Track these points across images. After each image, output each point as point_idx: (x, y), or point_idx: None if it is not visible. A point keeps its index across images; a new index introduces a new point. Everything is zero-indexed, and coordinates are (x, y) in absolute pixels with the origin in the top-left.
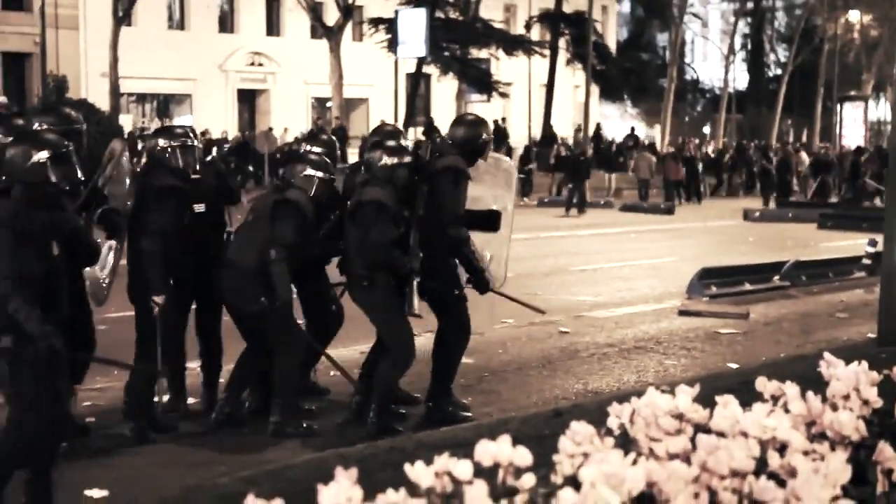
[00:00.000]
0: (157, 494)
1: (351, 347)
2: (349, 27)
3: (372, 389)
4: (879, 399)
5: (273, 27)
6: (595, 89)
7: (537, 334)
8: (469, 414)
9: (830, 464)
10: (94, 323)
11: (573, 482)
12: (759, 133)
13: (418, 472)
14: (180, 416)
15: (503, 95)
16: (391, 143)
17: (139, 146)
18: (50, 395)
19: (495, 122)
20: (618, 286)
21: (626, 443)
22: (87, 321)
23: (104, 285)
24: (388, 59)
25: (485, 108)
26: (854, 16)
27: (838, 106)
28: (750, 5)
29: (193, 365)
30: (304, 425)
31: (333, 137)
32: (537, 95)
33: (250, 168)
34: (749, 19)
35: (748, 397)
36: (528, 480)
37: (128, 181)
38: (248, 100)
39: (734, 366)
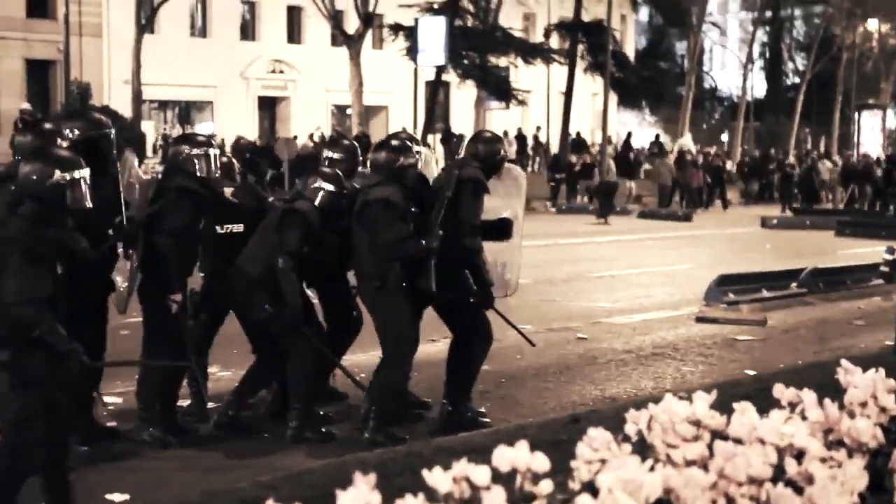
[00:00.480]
0: (178, 499)
1: (370, 353)
2: (369, 35)
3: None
4: None
5: (294, 35)
6: (613, 97)
7: (555, 340)
8: (487, 420)
9: (848, 471)
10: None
11: (590, 488)
12: (776, 141)
13: (436, 477)
14: (199, 419)
15: (522, 103)
16: (395, 142)
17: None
18: (50, 407)
19: (518, 129)
20: (635, 293)
21: (643, 449)
22: (102, 329)
23: (124, 294)
24: (408, 66)
25: (503, 116)
26: (872, 24)
27: (856, 114)
28: (768, 14)
29: (213, 370)
30: (323, 430)
31: (355, 143)
32: (556, 103)
33: (269, 171)
34: (767, 28)
35: (765, 404)
36: (546, 486)
37: (138, 188)
38: (268, 107)
39: (751, 372)
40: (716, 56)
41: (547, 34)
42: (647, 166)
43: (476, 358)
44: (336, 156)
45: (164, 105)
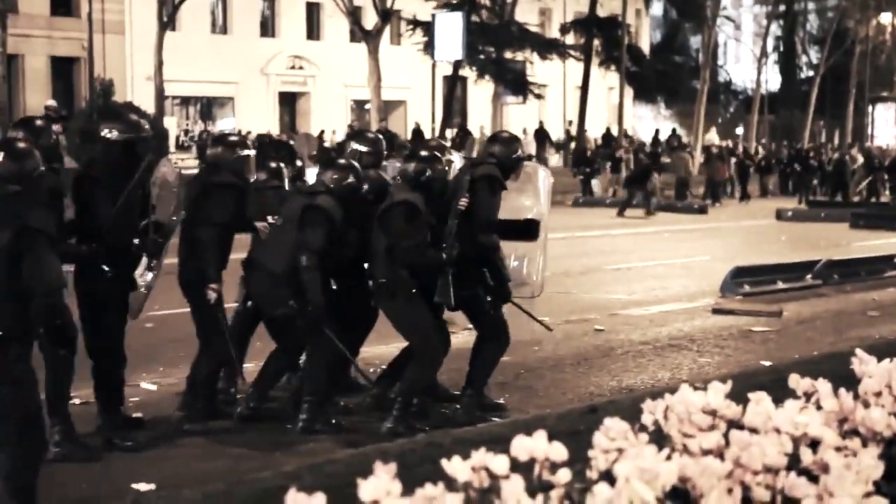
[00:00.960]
0: (202, 488)
1: (391, 344)
2: (387, 31)
3: (386, 389)
4: None
5: (313, 31)
6: (629, 91)
7: (573, 332)
8: (505, 411)
9: (863, 460)
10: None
11: (608, 477)
12: (791, 134)
13: (455, 466)
14: (231, 402)
15: (538, 97)
16: (424, 152)
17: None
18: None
19: (540, 123)
20: (652, 285)
21: (659, 439)
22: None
23: (143, 295)
24: (426, 61)
25: (520, 110)
26: (886, 18)
27: (870, 107)
28: (782, 8)
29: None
30: (333, 421)
31: (380, 135)
32: (572, 97)
33: (282, 165)
34: (781, 22)
35: (781, 394)
36: (564, 475)
37: (173, 205)
38: (288, 102)
39: (767, 363)
40: (730, 50)
41: (563, 30)
42: (665, 160)
43: (492, 356)
44: (363, 148)
45: (185, 101)
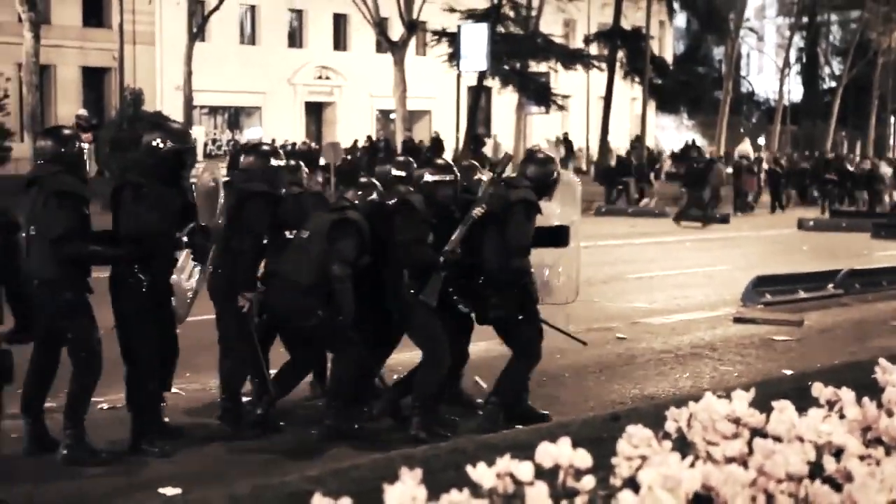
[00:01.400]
0: (228, 492)
1: (414, 352)
2: (413, 42)
3: (397, 397)
4: None
5: (340, 42)
6: (651, 101)
7: (595, 340)
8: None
9: (886, 468)
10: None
11: (632, 484)
12: (813, 144)
13: (481, 473)
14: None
15: (561, 108)
16: (440, 161)
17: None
18: None
19: (565, 135)
20: (673, 293)
21: (683, 446)
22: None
23: (188, 302)
24: (451, 72)
25: (543, 120)
26: None
27: (892, 118)
28: (805, 19)
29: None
30: (356, 427)
31: (410, 159)
32: (595, 108)
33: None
34: (804, 33)
35: (803, 403)
36: (588, 482)
37: (217, 210)
38: (315, 112)
39: (789, 372)
40: (753, 61)
41: (587, 42)
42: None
43: (520, 374)
44: (400, 173)
45: (214, 110)
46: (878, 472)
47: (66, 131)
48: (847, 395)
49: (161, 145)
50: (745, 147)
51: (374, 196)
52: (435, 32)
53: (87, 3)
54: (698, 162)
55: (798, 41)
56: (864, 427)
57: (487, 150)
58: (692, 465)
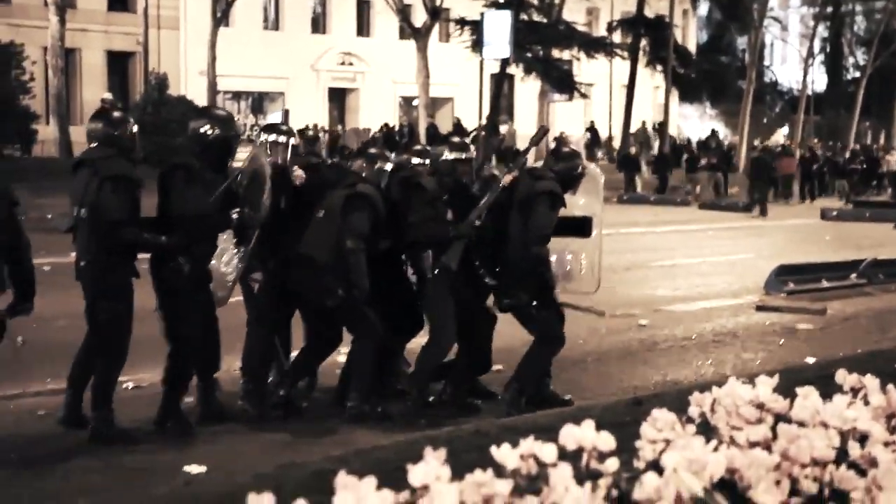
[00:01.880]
0: (252, 471)
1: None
2: (436, 28)
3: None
4: None
5: (363, 28)
6: (674, 91)
7: (617, 326)
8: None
9: None
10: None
11: (655, 467)
12: (836, 135)
13: (504, 454)
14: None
15: (584, 96)
16: (456, 139)
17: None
18: None
19: (591, 123)
20: (696, 281)
21: (706, 431)
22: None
23: (229, 286)
24: (474, 59)
25: (566, 108)
26: None
27: None
28: (829, 9)
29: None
30: (380, 409)
31: (428, 147)
32: (618, 96)
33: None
34: (828, 23)
35: (827, 390)
36: (612, 464)
37: (263, 196)
38: (338, 98)
39: (811, 360)
40: (776, 50)
41: (610, 29)
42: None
43: (541, 359)
44: (419, 161)
45: (237, 96)
46: None
47: (118, 114)
48: (871, 382)
49: (209, 132)
50: (779, 138)
51: (382, 165)
52: (458, 21)
53: None
54: (763, 153)
55: (822, 31)
56: (888, 414)
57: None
58: (716, 449)
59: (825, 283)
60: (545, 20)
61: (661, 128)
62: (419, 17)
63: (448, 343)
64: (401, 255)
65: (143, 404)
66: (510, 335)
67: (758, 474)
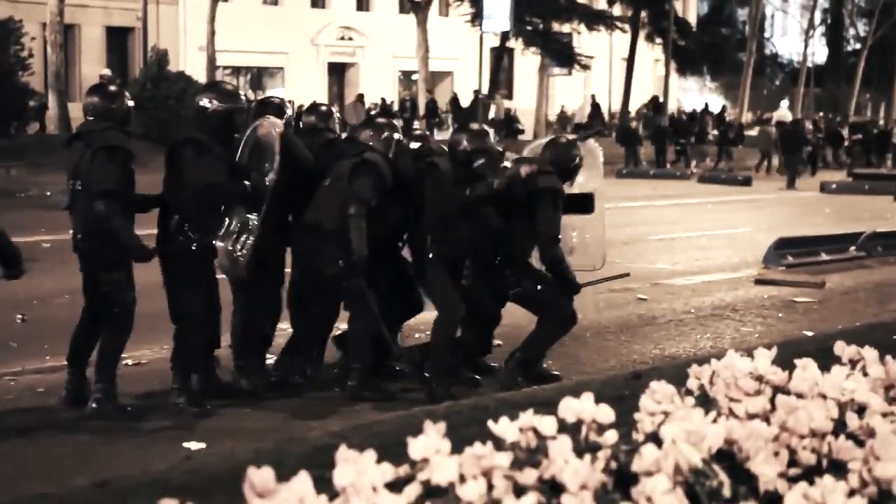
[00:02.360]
0: (252, 448)
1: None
2: (436, 2)
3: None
4: None
5: (363, 2)
6: (674, 63)
7: (615, 300)
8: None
9: None
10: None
11: (654, 439)
12: (836, 107)
13: (503, 427)
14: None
15: (585, 68)
16: (474, 127)
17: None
18: None
19: (592, 97)
20: (695, 255)
21: (705, 403)
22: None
23: (241, 259)
24: (473, 33)
25: (566, 82)
26: None
27: None
28: None
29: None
30: (381, 388)
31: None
32: (618, 69)
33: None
34: None
35: (826, 363)
36: (611, 437)
37: (271, 167)
38: (337, 73)
39: (810, 333)
40: (777, 22)
41: (610, 2)
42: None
43: (551, 337)
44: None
45: (237, 71)
46: None
47: (114, 88)
48: (870, 353)
49: (209, 105)
50: (784, 111)
51: (390, 134)
52: None
53: None
54: (789, 125)
55: (823, 2)
56: (886, 385)
57: (491, 111)
58: (714, 421)
59: (824, 256)
60: None
61: (654, 101)
62: None
63: (455, 312)
64: (399, 237)
65: (143, 381)
66: (512, 313)
67: (756, 445)
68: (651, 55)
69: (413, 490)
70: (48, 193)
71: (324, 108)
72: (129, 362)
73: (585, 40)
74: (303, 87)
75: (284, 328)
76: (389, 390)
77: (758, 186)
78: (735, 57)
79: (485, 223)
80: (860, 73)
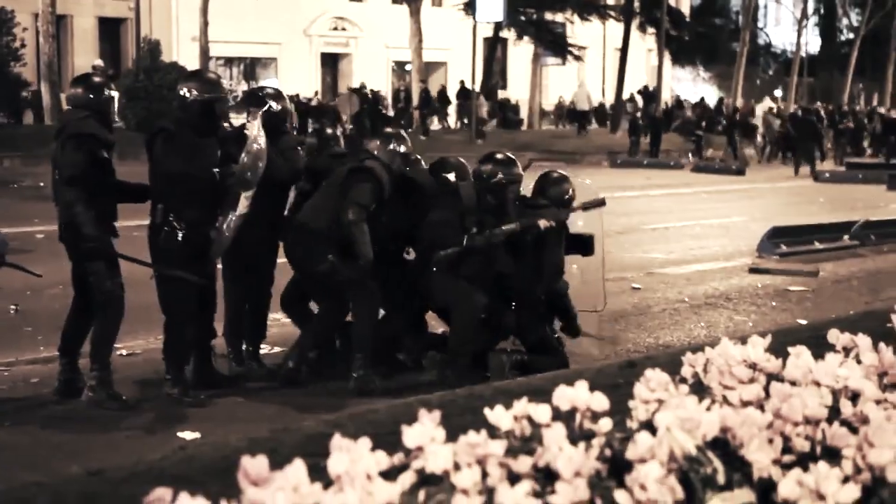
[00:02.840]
0: (246, 436)
1: None
2: None
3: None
4: None
5: None
6: (667, 53)
7: (610, 290)
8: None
9: None
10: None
11: (649, 427)
12: (830, 96)
13: (498, 415)
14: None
15: (577, 59)
16: (500, 156)
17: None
18: None
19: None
20: (689, 244)
21: (699, 391)
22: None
23: (223, 242)
24: (467, 23)
25: (559, 72)
26: None
27: None
28: None
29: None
30: (382, 378)
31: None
32: (611, 59)
33: (328, 130)
34: None
35: (819, 351)
36: (605, 424)
37: (259, 161)
38: (330, 63)
39: (803, 322)
40: (770, 12)
41: None
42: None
43: (542, 368)
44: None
45: (230, 61)
46: (894, 415)
47: (97, 79)
48: (863, 340)
49: (189, 95)
50: (767, 103)
51: (396, 146)
52: None
53: None
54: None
55: None
56: (880, 372)
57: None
58: (709, 408)
59: (818, 245)
60: None
61: (645, 91)
62: None
63: (473, 303)
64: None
65: (137, 371)
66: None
67: (750, 433)
68: (644, 45)
69: (407, 478)
70: (42, 184)
71: (329, 130)
72: (124, 352)
73: (579, 30)
74: (296, 78)
75: (278, 318)
76: (393, 382)
77: (751, 176)
78: (728, 47)
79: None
80: (853, 63)
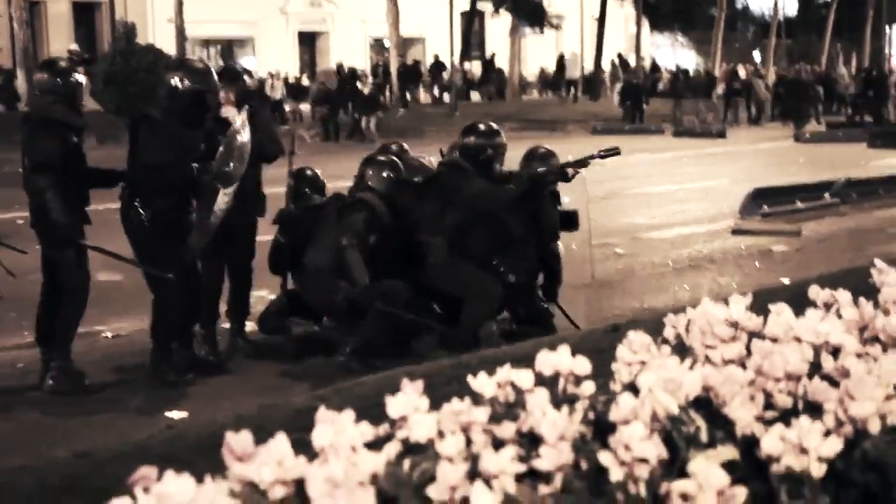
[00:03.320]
0: (234, 414)
1: None
2: None
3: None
4: None
5: None
6: (645, 20)
7: (595, 256)
8: None
9: (883, 365)
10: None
11: (631, 388)
12: (808, 58)
13: (481, 382)
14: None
15: (555, 27)
16: (482, 127)
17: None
18: None
19: (560, 56)
20: (672, 208)
21: (682, 351)
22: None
23: (204, 235)
24: None
25: (538, 42)
26: None
27: (887, 29)
28: None
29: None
30: (369, 362)
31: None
32: (589, 28)
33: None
34: None
35: (801, 308)
36: (588, 388)
37: (243, 155)
38: (308, 42)
39: (787, 281)
40: None
41: None
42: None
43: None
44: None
45: (206, 42)
46: (875, 368)
47: (63, 63)
48: (843, 296)
49: (179, 85)
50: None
51: (389, 172)
52: None
53: None
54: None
55: None
56: (861, 327)
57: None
58: (691, 368)
59: (800, 205)
60: None
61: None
62: None
63: (488, 290)
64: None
65: (122, 353)
66: None
67: (732, 390)
68: (622, 12)
69: (392, 448)
70: (20, 170)
71: (309, 171)
72: (109, 335)
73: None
74: (274, 57)
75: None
76: (377, 363)
77: (732, 138)
78: (706, 12)
79: (505, 228)
80: (831, 25)
